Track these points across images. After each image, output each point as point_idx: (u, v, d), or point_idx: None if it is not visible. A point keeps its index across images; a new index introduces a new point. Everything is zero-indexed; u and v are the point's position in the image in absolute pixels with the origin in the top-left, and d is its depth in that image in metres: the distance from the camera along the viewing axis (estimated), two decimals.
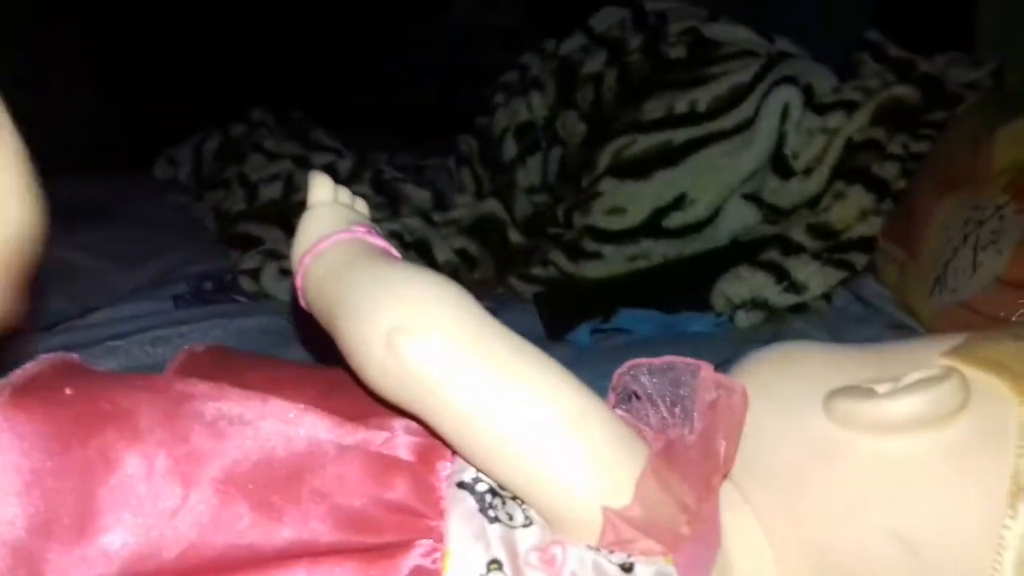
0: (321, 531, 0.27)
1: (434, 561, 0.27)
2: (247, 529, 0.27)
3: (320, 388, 0.32)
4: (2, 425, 0.26)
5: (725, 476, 0.29)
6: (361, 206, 0.36)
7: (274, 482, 0.28)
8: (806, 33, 1.00)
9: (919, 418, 0.28)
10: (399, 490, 0.28)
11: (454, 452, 0.29)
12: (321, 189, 0.35)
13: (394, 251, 0.33)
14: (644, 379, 0.31)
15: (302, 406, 0.29)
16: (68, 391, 0.28)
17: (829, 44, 0.97)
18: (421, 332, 0.27)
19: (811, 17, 1.17)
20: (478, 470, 0.28)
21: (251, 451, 0.28)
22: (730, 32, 0.96)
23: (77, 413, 0.28)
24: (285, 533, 0.27)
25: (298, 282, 0.33)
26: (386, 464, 0.28)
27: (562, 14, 1.11)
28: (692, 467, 0.28)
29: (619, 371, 0.32)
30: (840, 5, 1.20)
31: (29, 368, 0.29)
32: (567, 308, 0.81)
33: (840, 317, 0.77)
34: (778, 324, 0.76)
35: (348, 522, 0.27)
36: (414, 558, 0.27)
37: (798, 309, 0.78)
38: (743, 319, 0.77)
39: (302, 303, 0.33)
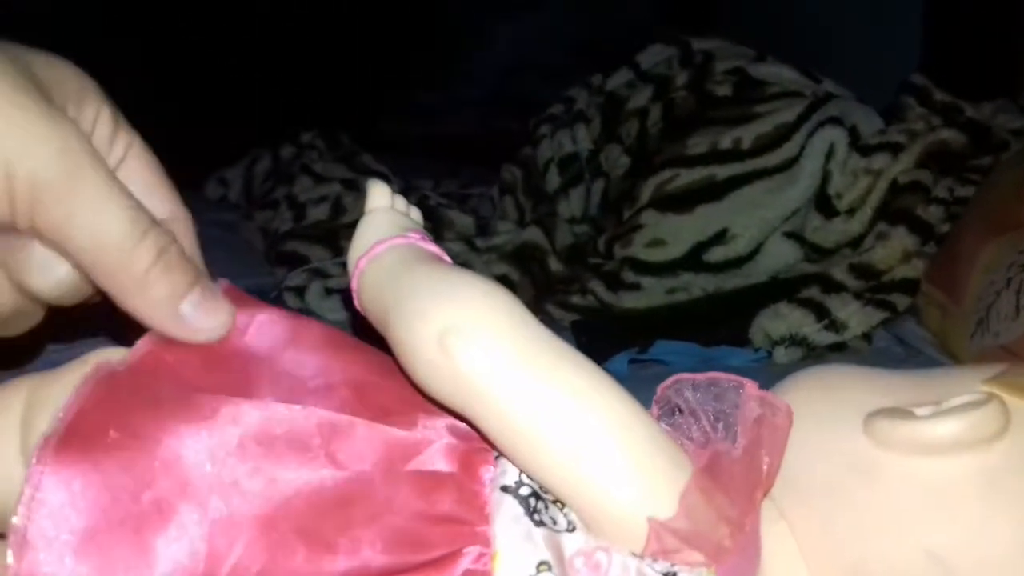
0: (371, 556, 0.27)
1: (484, 564, 0.27)
2: (302, 565, 0.27)
3: (365, 380, 0.32)
4: (53, 481, 0.27)
5: (767, 492, 0.30)
6: (416, 214, 0.37)
7: (325, 514, 0.28)
8: (853, 76, 1.00)
9: (959, 441, 0.28)
10: (445, 503, 0.28)
11: (496, 456, 0.30)
12: (379, 196, 0.36)
13: (446, 257, 0.34)
14: (688, 393, 0.31)
15: (346, 419, 0.30)
16: (113, 433, 0.28)
17: (875, 87, 0.98)
18: (472, 334, 0.28)
19: (858, 60, 1.18)
20: (521, 472, 0.29)
21: (302, 485, 0.28)
22: (776, 72, 0.97)
23: (126, 462, 0.27)
24: (340, 564, 0.27)
25: (353, 284, 0.34)
26: (432, 481, 0.29)
27: (608, 50, 1.13)
28: (736, 481, 0.28)
29: (663, 384, 0.33)
30: (887, 49, 1.21)
31: (71, 407, 0.29)
32: (605, 337, 0.81)
33: (880, 358, 0.77)
34: (817, 362, 0.76)
35: (398, 542, 0.28)
36: (464, 564, 0.27)
37: (837, 348, 0.78)
38: (782, 355, 0.77)
39: (356, 305, 0.34)
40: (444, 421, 0.31)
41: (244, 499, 0.28)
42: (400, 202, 0.37)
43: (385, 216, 0.35)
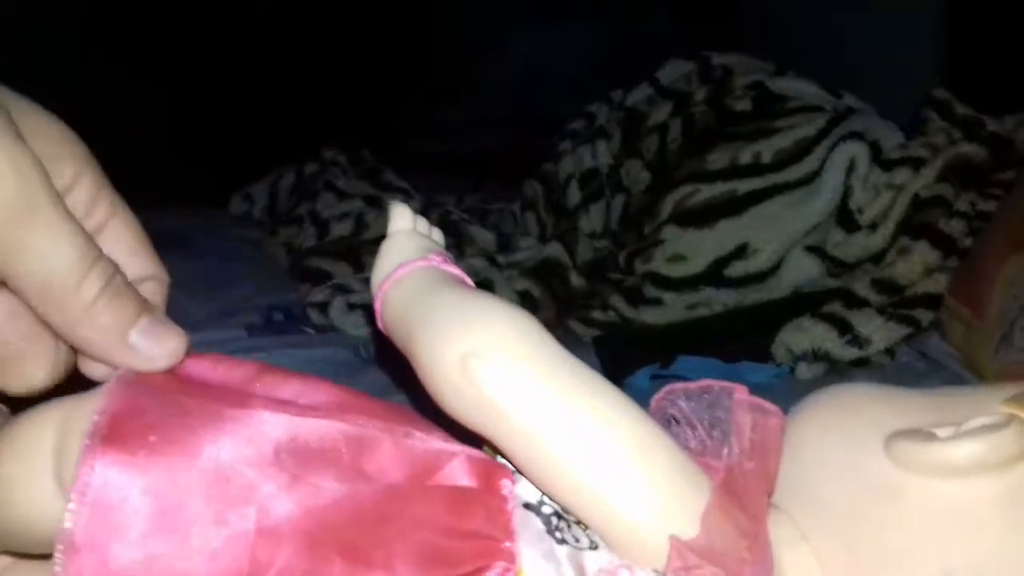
0: (405, 571, 0.27)
1: None
2: None
3: (348, 401, 0.32)
4: (109, 476, 0.27)
5: (770, 495, 0.30)
6: (437, 236, 0.37)
7: (363, 527, 0.28)
8: (874, 90, 1.00)
9: (979, 463, 0.28)
10: (475, 520, 0.29)
11: (514, 471, 0.30)
12: (401, 218, 0.36)
13: (468, 280, 0.34)
14: (682, 403, 0.32)
15: (368, 432, 0.30)
16: (152, 438, 0.28)
17: (897, 101, 0.98)
18: (495, 358, 0.28)
19: (880, 74, 1.18)
20: (543, 493, 0.29)
21: (340, 498, 0.28)
22: (796, 87, 0.97)
23: (169, 468, 0.28)
24: None
25: (377, 306, 0.34)
26: (461, 497, 0.29)
27: (628, 64, 1.13)
28: (750, 494, 0.28)
29: (657, 396, 0.33)
30: (909, 63, 1.20)
31: (106, 408, 0.29)
32: (626, 353, 0.81)
33: (903, 373, 0.77)
34: (839, 377, 0.76)
35: (429, 557, 0.28)
36: None
37: (860, 363, 0.78)
38: (804, 371, 0.77)
39: (380, 326, 0.34)
40: (463, 447, 0.31)
41: (284, 509, 0.28)
42: (422, 223, 0.37)
43: (407, 238, 0.35)
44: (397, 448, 0.30)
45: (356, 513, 0.28)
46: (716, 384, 0.32)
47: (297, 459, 0.29)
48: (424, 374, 0.30)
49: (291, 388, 0.32)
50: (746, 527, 0.28)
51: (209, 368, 0.32)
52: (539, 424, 0.28)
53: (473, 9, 1.75)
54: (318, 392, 0.32)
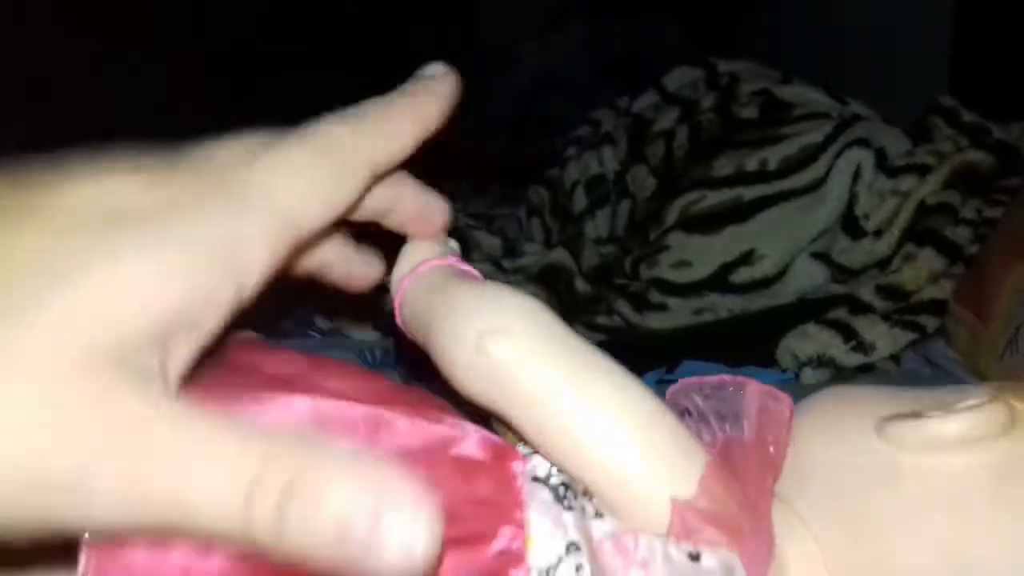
0: None
1: (517, 546, 0.29)
2: None
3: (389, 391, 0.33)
4: None
5: (775, 478, 0.31)
6: (452, 242, 0.40)
7: None
8: (881, 97, 1.01)
9: (968, 435, 0.30)
10: (484, 487, 0.30)
11: (525, 454, 0.32)
12: None
13: (482, 278, 0.36)
14: (696, 397, 0.34)
15: (385, 412, 0.31)
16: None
17: (904, 108, 0.98)
18: (508, 333, 0.30)
19: (887, 81, 1.18)
20: (552, 464, 0.31)
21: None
22: (803, 94, 0.98)
23: None
24: None
25: (397, 301, 0.36)
26: (472, 466, 0.31)
27: (635, 70, 1.14)
28: (748, 466, 0.30)
29: (671, 389, 0.35)
30: (916, 70, 1.21)
31: None
32: (632, 358, 0.81)
33: (910, 379, 0.77)
34: (844, 383, 0.76)
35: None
36: (498, 544, 0.29)
37: (866, 369, 0.78)
38: (809, 376, 0.77)
39: (398, 320, 0.36)
40: (474, 426, 0.32)
41: None
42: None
43: (427, 241, 0.38)
44: (413, 426, 0.31)
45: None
46: (730, 379, 0.34)
47: (317, 428, 0.30)
48: (441, 357, 0.32)
49: (334, 383, 0.33)
50: (744, 498, 0.29)
51: (265, 358, 0.34)
52: (548, 391, 0.30)
53: (482, 15, 1.76)
54: (355, 383, 0.33)
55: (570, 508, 0.30)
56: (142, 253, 0.21)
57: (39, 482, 0.19)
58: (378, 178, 0.29)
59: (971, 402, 0.31)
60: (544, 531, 0.29)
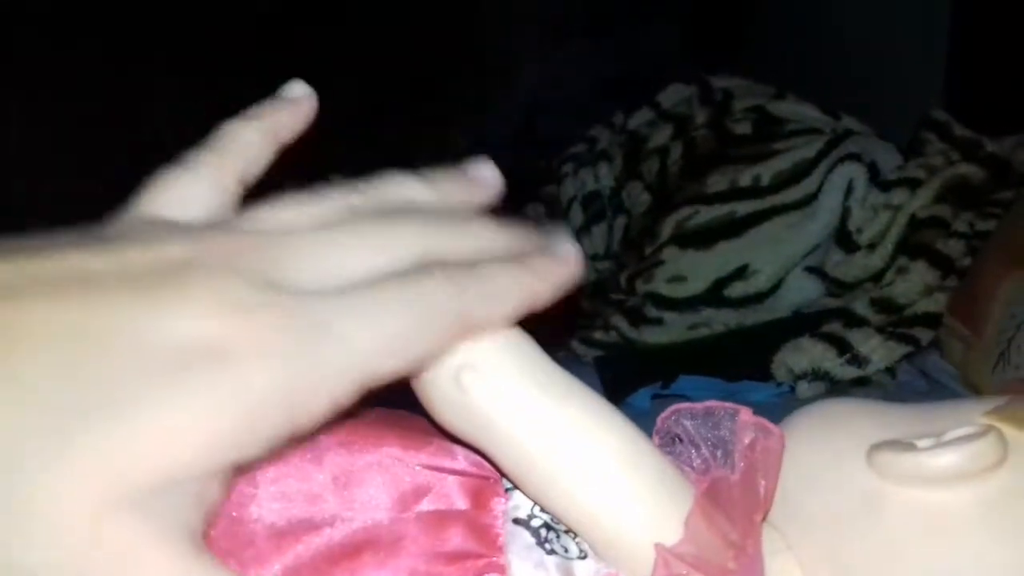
0: None
1: None
2: None
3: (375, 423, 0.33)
4: None
5: (765, 514, 0.31)
6: None
7: (338, 559, 0.28)
8: (878, 112, 1.01)
9: (958, 471, 0.29)
10: (456, 540, 0.29)
11: (507, 488, 0.31)
12: None
13: None
14: (686, 423, 0.32)
15: (361, 461, 0.30)
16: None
17: (899, 123, 0.99)
18: (485, 368, 0.29)
19: (882, 96, 1.18)
20: (534, 503, 0.30)
21: (311, 542, 0.29)
22: (796, 110, 0.98)
23: None
24: None
25: None
26: (440, 520, 0.30)
27: (630, 89, 1.14)
28: (736, 505, 0.29)
29: (662, 415, 0.33)
30: (912, 85, 1.21)
31: None
32: (628, 372, 0.82)
33: (904, 391, 0.77)
34: (840, 396, 0.76)
35: None
36: None
37: (861, 382, 0.78)
38: (805, 390, 0.77)
39: None
40: (461, 450, 0.32)
41: (257, 559, 0.28)
42: None
43: None
44: (386, 475, 0.30)
45: (328, 548, 0.29)
46: (720, 405, 0.32)
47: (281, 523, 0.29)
48: (422, 391, 0.30)
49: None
50: (732, 537, 0.28)
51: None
52: (527, 431, 0.29)
53: (483, 35, 1.77)
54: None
55: (552, 552, 0.29)
56: (202, 396, 0.20)
57: None
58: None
59: (964, 432, 0.29)
60: (526, 574, 0.28)
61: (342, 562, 0.29)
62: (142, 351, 0.20)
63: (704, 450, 0.32)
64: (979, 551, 0.28)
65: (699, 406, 0.32)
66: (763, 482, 0.30)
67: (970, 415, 0.31)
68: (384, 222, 0.26)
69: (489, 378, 0.29)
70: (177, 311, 0.21)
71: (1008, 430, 0.29)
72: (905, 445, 0.30)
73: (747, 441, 0.30)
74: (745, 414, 0.31)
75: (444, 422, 0.30)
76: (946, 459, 0.29)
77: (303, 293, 0.23)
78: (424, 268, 0.24)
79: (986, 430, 0.29)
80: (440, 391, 0.29)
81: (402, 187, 0.28)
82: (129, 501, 0.20)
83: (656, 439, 0.33)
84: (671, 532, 0.28)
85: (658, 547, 0.27)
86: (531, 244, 0.28)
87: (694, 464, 0.32)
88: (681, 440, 0.32)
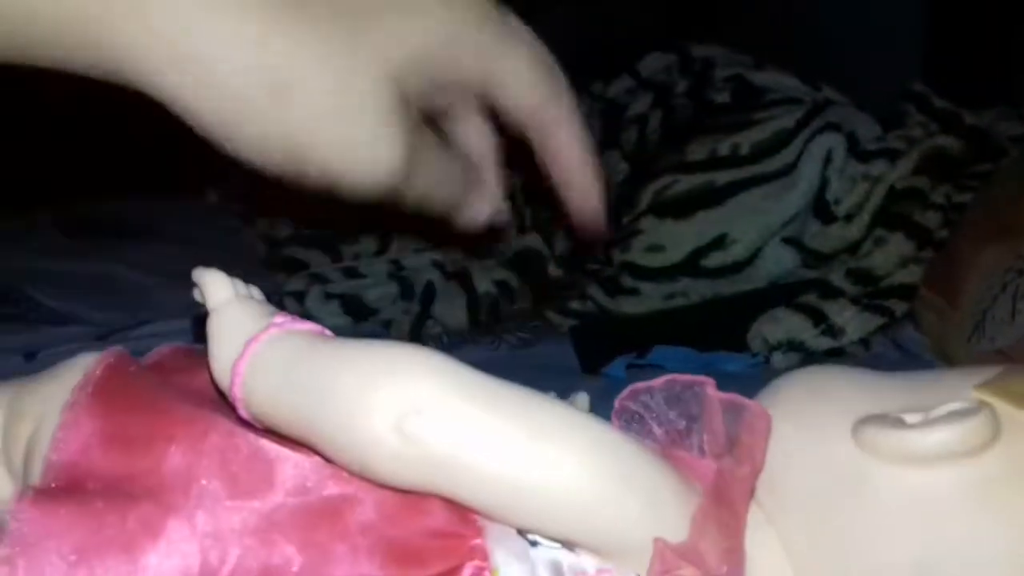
0: (370, 569, 0.27)
1: None
2: (299, 573, 0.27)
3: None
4: (38, 515, 0.26)
5: (751, 496, 0.30)
6: (256, 292, 0.33)
7: (317, 522, 0.27)
8: (855, 83, 1.00)
9: (948, 451, 0.28)
10: (438, 516, 0.28)
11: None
12: (220, 288, 0.31)
13: (327, 331, 0.30)
14: (645, 398, 0.32)
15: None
16: (92, 484, 0.28)
17: (878, 95, 0.98)
18: (432, 409, 0.26)
19: (861, 68, 1.18)
20: (517, 529, 0.28)
21: (290, 492, 0.28)
22: (776, 80, 0.97)
23: (104, 505, 0.27)
24: (337, 573, 0.27)
25: (236, 393, 0.29)
26: (420, 496, 0.28)
27: (610, 57, 1.13)
28: (736, 499, 0.28)
29: (620, 397, 0.33)
30: (890, 57, 1.21)
31: (60, 442, 0.28)
32: (603, 342, 0.81)
33: (877, 363, 0.77)
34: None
35: (394, 556, 0.27)
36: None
37: (835, 353, 0.78)
38: (779, 361, 0.77)
39: (243, 414, 0.29)
40: None
41: (232, 510, 0.28)
42: (240, 286, 0.32)
43: (239, 309, 0.30)
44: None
45: (306, 511, 0.28)
46: (680, 378, 0.32)
47: (259, 465, 0.29)
48: (346, 455, 0.27)
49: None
50: (731, 531, 0.28)
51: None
52: (500, 461, 0.27)
53: None
54: None
55: (535, 543, 0.28)
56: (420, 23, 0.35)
57: None
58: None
59: (954, 407, 0.29)
60: (509, 562, 0.27)
61: (324, 522, 0.28)
62: None
63: (665, 421, 0.31)
64: (968, 533, 0.27)
65: (657, 382, 0.32)
66: (756, 469, 0.29)
67: (960, 388, 0.30)
68: None
69: (437, 415, 0.26)
70: None
71: (999, 405, 0.29)
72: (893, 420, 0.29)
73: (720, 420, 0.30)
74: (711, 388, 0.30)
75: (398, 482, 0.27)
76: (935, 438, 0.28)
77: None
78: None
79: (978, 408, 0.28)
80: (383, 449, 0.27)
81: None
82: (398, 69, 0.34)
83: (616, 421, 0.33)
84: (671, 526, 0.27)
85: (657, 542, 0.27)
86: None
87: (656, 434, 0.31)
88: (641, 416, 0.32)
